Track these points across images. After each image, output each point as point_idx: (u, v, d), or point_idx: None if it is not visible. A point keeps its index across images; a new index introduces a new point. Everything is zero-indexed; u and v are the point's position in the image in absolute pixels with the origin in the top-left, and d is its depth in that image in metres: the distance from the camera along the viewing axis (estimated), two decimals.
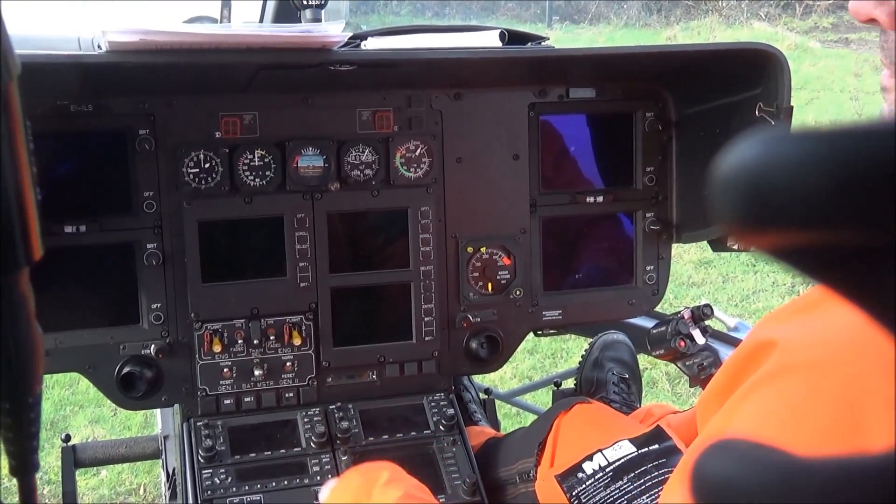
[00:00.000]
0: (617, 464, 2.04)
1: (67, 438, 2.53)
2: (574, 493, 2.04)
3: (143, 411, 4.26)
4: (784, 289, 6.37)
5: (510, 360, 2.68)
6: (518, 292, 2.54)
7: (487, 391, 3.05)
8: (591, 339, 2.94)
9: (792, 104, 2.16)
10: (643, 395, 2.95)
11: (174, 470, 2.46)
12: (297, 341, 2.37)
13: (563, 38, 12.22)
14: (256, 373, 2.36)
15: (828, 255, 0.40)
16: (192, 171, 2.27)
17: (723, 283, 6.62)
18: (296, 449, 2.31)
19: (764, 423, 0.89)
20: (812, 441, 0.83)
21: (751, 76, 2.23)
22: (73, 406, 4.93)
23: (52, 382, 4.99)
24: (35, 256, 0.65)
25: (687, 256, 6.73)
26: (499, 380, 4.89)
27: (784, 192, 0.38)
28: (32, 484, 0.73)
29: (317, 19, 2.22)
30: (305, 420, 2.37)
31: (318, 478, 2.25)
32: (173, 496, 2.49)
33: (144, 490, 4.23)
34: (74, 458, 2.52)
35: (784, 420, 0.87)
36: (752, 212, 0.40)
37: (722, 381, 1.05)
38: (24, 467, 0.72)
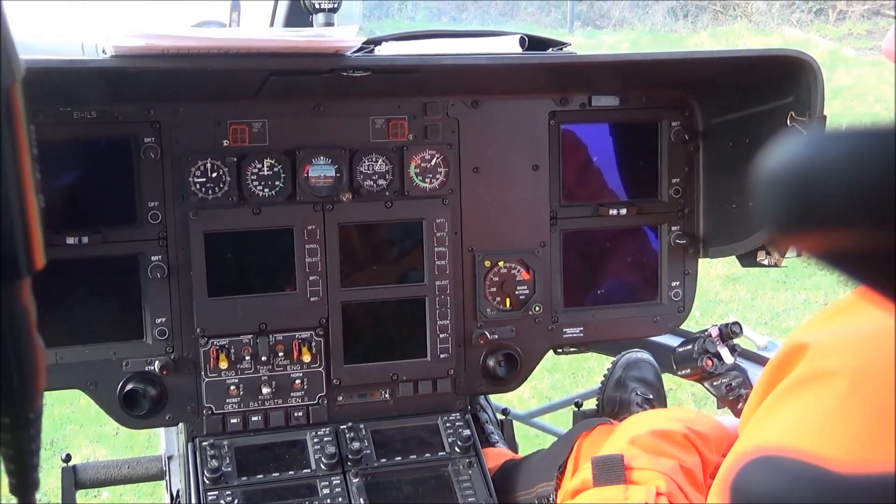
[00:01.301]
0: None
1: (68, 458, 2.49)
2: None
3: (147, 430, 4.19)
4: (817, 306, 6.25)
5: (529, 378, 2.61)
6: (537, 308, 2.48)
7: (505, 411, 2.99)
8: (614, 358, 2.87)
9: (825, 113, 2.10)
10: None
11: (178, 492, 2.40)
12: (306, 358, 2.31)
13: (585, 44, 12.10)
14: (264, 391, 2.30)
15: (879, 256, 0.40)
16: (199, 180, 2.22)
17: (752, 299, 6.53)
18: (305, 471, 2.25)
19: (796, 432, 0.91)
20: (844, 450, 0.85)
21: (782, 84, 2.17)
22: (73, 424, 4.90)
23: (51, 400, 4.93)
24: (37, 266, 0.63)
25: (714, 272, 6.64)
26: (517, 400, 4.83)
27: (834, 190, 0.38)
28: (33, 503, 0.71)
29: (329, 23, 2.18)
30: (315, 440, 2.31)
31: (328, 501, 2.18)
32: None
33: None
34: (75, 479, 2.47)
35: (815, 430, 0.90)
36: (801, 212, 0.39)
37: (759, 388, 1.06)
38: (25, 485, 0.71)
